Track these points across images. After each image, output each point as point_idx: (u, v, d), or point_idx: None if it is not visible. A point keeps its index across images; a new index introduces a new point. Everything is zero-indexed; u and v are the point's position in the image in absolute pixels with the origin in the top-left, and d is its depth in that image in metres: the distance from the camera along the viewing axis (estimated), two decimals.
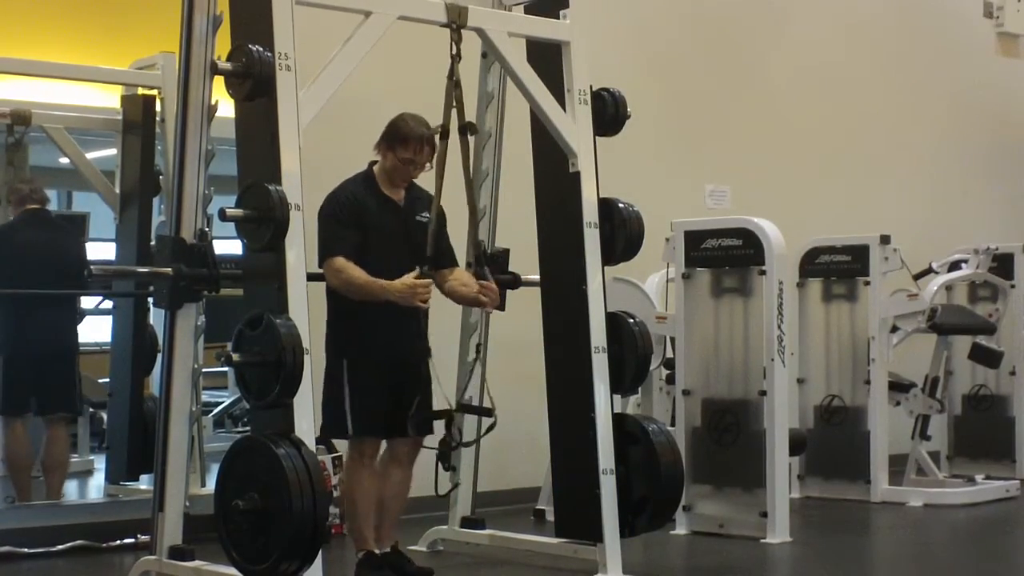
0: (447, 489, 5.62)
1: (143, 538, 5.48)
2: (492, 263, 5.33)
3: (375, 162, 5.07)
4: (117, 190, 6.48)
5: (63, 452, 6.40)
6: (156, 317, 6.05)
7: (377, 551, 5.01)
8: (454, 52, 4.80)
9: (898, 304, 7.37)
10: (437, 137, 4.88)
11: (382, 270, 4.81)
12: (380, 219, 4.95)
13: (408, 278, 4.76)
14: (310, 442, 4.21)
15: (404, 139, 4.94)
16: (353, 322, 4.91)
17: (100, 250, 7.73)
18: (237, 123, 4.54)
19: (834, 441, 7.41)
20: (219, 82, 4.50)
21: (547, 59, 5.22)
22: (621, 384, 5.21)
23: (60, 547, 5.66)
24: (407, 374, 4.97)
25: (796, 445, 6.39)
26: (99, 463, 7.14)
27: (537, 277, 5.43)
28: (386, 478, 5.05)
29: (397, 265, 4.84)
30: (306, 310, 4.28)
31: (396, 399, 4.94)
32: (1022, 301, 8.20)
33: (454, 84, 4.84)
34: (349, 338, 4.92)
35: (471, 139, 5.00)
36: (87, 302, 7.34)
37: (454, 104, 4.85)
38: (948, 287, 8.10)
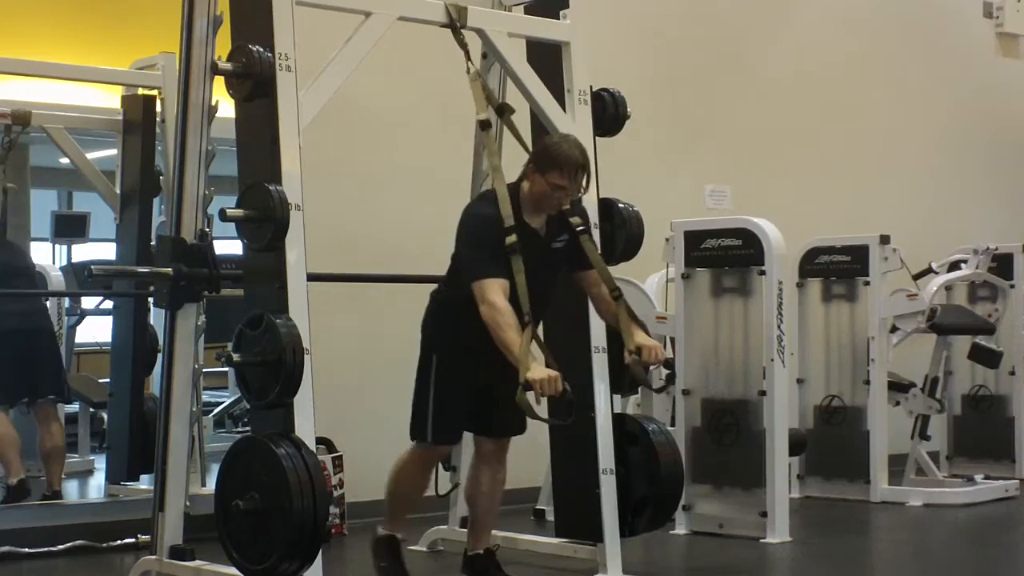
0: (447, 489, 5.63)
1: (143, 538, 5.49)
2: None
3: (523, 178, 4.65)
4: (117, 190, 6.48)
5: (57, 438, 6.34)
6: (156, 317, 6.05)
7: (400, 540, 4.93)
8: (466, 50, 4.75)
9: (898, 304, 7.37)
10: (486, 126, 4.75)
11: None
12: (519, 252, 4.51)
13: (543, 369, 4.34)
14: (310, 442, 4.21)
15: (558, 163, 4.54)
16: (447, 312, 4.69)
17: (100, 250, 7.75)
18: (237, 123, 4.53)
19: (834, 441, 7.41)
20: (219, 82, 4.50)
21: (547, 59, 5.22)
22: (621, 384, 5.22)
23: (60, 547, 5.65)
24: (498, 370, 4.50)
25: (796, 445, 6.39)
26: (99, 463, 7.14)
27: None
28: (475, 479, 4.92)
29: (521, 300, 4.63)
30: (306, 310, 4.28)
31: (484, 396, 4.72)
32: (1022, 301, 8.20)
33: (476, 75, 4.77)
34: (441, 331, 4.72)
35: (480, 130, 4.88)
36: (87, 302, 7.36)
37: (484, 92, 4.78)
38: (948, 287, 8.10)
